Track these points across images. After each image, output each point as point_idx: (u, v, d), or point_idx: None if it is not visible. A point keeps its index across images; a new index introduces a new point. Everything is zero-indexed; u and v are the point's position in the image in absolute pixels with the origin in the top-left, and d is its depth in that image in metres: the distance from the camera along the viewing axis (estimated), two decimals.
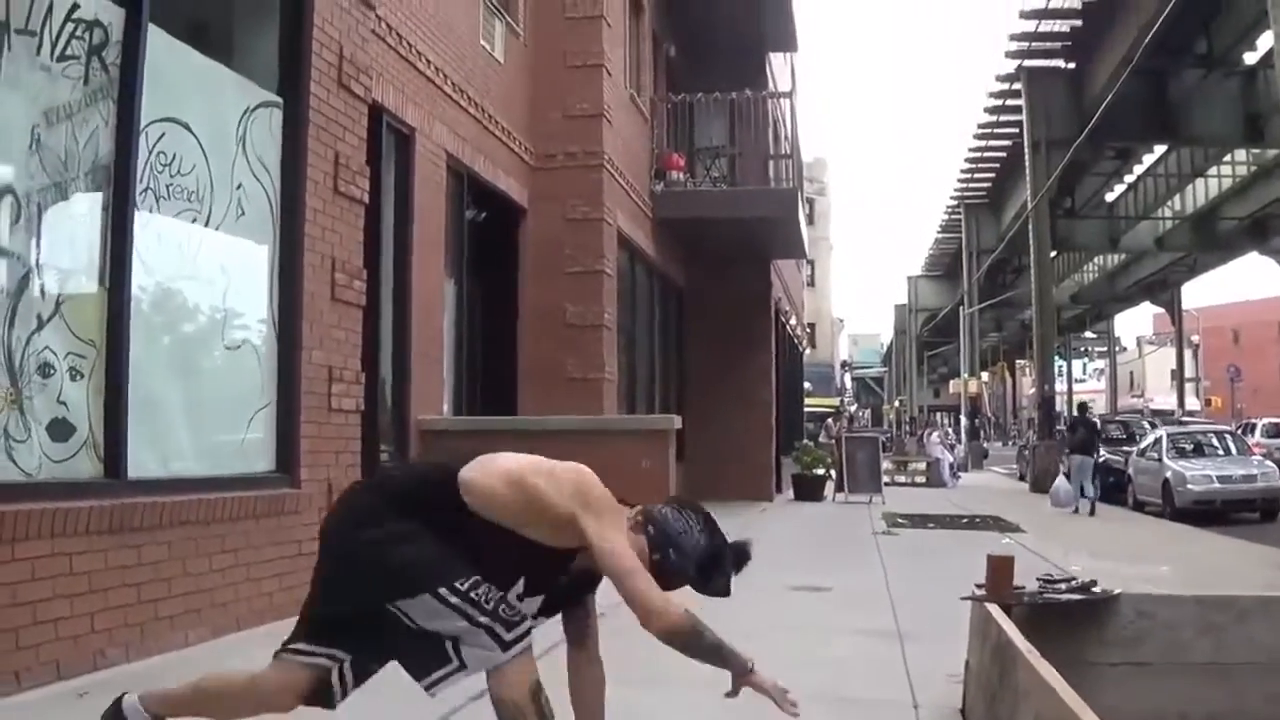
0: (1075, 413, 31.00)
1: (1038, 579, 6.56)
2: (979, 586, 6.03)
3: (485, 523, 4.04)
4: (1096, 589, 6.22)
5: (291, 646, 4.24)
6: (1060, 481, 26.00)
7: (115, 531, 6.51)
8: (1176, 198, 46.31)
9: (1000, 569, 5.93)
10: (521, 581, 4.17)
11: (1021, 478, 33.51)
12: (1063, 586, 6.28)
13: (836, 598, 10.55)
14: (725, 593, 4.22)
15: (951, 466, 38.36)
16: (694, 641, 4.06)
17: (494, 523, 4.04)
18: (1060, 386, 61.77)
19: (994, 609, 5.50)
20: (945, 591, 9.25)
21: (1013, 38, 34.60)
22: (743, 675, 4.14)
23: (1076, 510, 24.15)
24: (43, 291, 6.34)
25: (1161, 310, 73.45)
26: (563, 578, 4.27)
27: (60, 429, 6.42)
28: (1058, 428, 34.41)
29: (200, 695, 4.37)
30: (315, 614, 4.26)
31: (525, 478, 4.11)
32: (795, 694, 4.17)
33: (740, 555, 4.28)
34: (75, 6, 6.57)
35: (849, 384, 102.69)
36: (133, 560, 6.67)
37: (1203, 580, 12.26)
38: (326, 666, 4.20)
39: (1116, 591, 6.21)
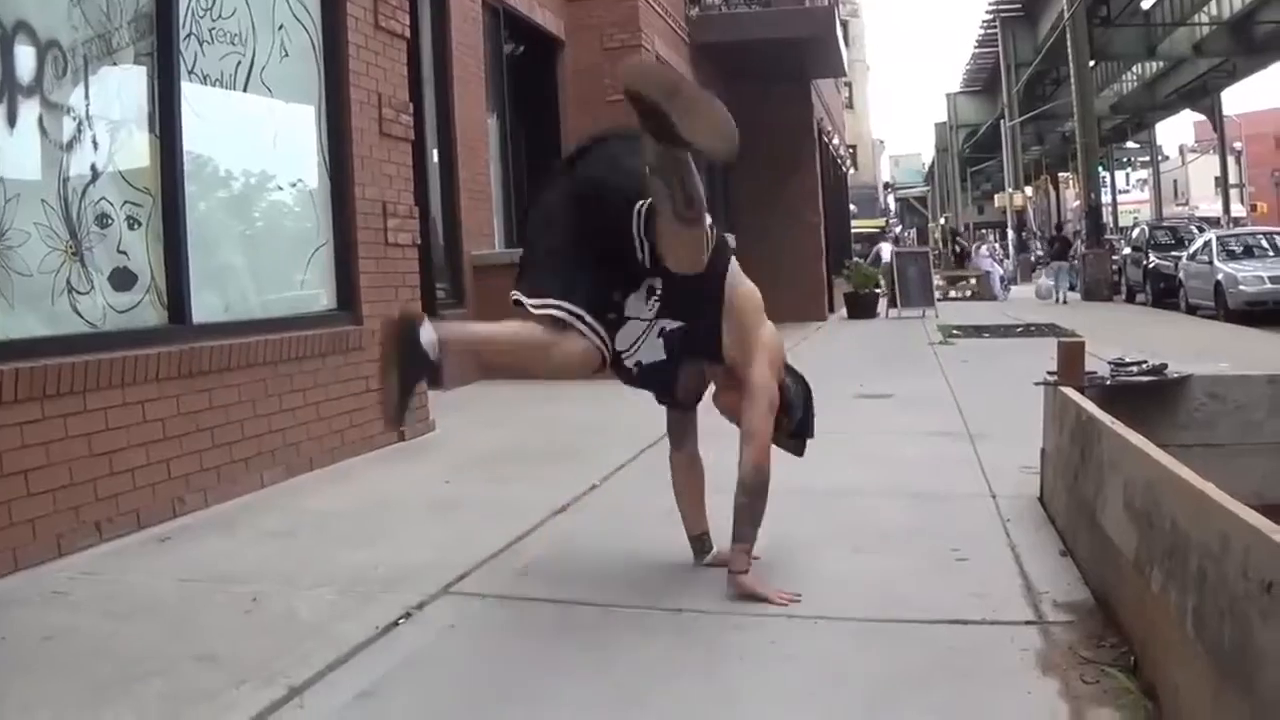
0: (1054, 231, 43.03)
1: (1109, 363, 6.56)
2: (1051, 374, 6.04)
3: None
4: (1168, 371, 6.22)
5: None
6: (1042, 280, 36.43)
7: (184, 377, 6.51)
8: (1213, 2, 45.21)
9: (1072, 354, 5.92)
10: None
11: (1071, 288, 33.65)
12: (1134, 369, 6.28)
13: (902, 403, 10.63)
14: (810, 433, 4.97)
15: (1002, 279, 38.37)
16: (758, 493, 4.53)
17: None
18: (1105, 197, 61.19)
19: (1070, 391, 5.50)
20: (1009, 394, 9.31)
21: None
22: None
23: (1058, 300, 32.04)
24: (95, 142, 6.29)
25: (1203, 117, 71.88)
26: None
27: (122, 278, 6.42)
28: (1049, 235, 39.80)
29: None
30: None
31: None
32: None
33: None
34: None
35: (893, 205, 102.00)
36: (204, 404, 6.68)
37: None
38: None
39: (1189, 373, 6.20)
